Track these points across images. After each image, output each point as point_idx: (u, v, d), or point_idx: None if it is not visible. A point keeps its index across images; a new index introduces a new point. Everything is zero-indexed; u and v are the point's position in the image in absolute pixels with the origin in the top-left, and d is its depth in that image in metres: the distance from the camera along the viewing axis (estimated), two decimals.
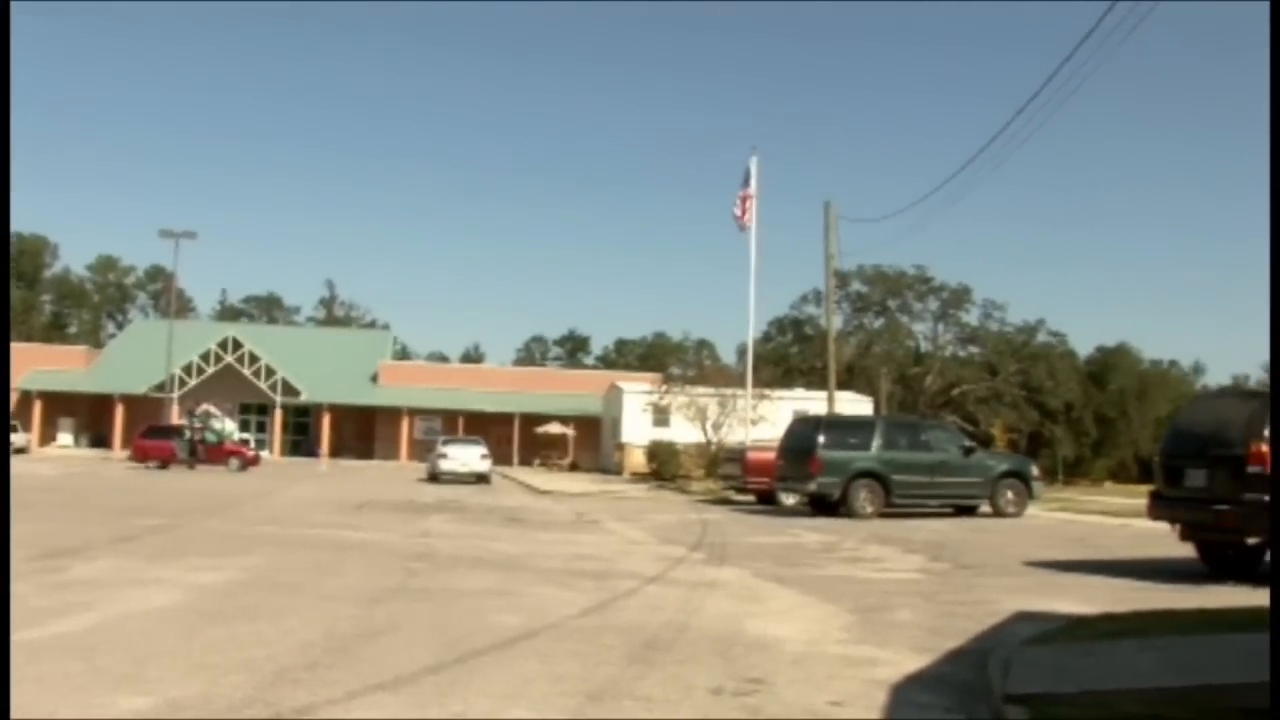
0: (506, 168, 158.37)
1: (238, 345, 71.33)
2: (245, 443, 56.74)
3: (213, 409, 68.92)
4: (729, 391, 46.48)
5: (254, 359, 70.96)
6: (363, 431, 72.39)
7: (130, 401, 67.91)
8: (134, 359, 71.24)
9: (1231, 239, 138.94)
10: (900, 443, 25.30)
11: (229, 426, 66.74)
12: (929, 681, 7.08)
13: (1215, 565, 13.60)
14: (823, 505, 24.73)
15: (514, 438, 69.76)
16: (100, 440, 69.47)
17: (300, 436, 73.65)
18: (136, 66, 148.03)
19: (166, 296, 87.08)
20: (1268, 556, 13.17)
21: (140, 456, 45.48)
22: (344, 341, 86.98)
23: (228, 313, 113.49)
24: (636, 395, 55.95)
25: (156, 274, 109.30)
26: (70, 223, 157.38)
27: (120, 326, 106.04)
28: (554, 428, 69.24)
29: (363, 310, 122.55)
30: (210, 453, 46.46)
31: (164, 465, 44.43)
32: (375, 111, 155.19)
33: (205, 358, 70.31)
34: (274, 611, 9.09)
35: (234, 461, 46.17)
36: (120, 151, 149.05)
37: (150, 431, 47.97)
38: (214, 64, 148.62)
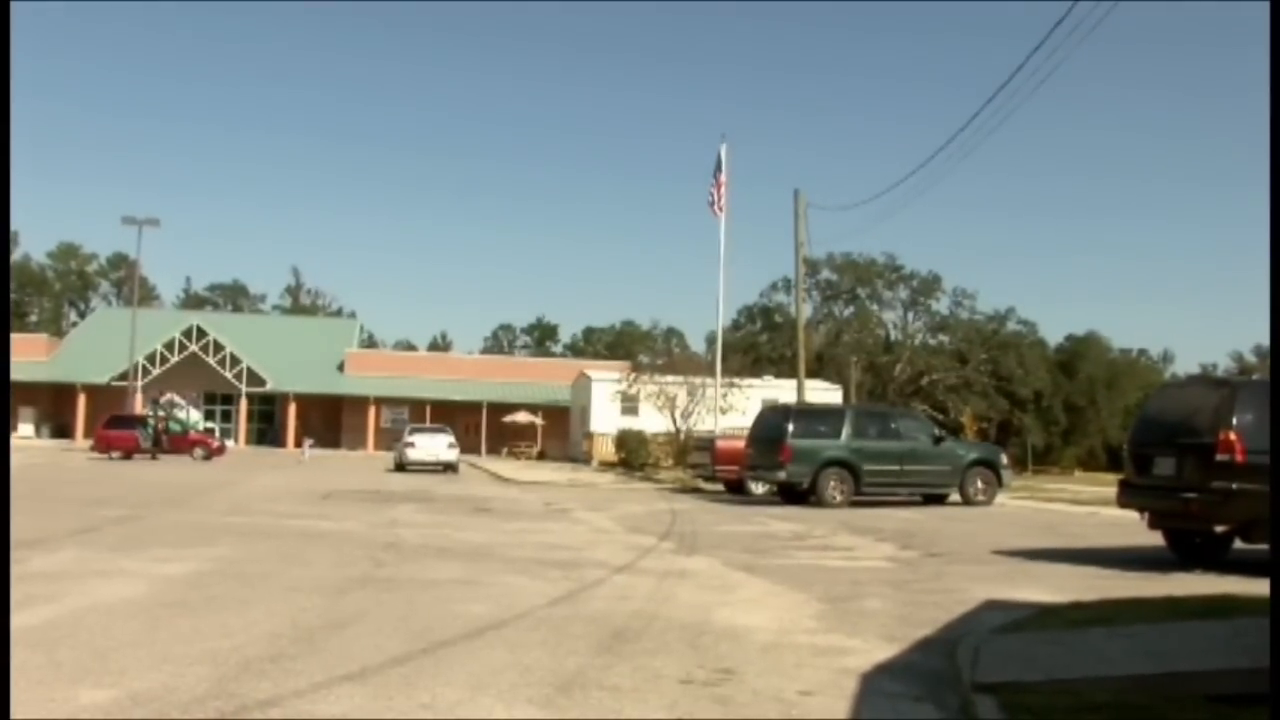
0: (474, 154, 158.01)
1: (202, 334, 70.94)
2: (210, 432, 56.49)
3: (177, 398, 68.57)
4: (698, 380, 46.52)
5: (219, 348, 70.58)
6: (329, 421, 72.12)
7: (92, 391, 67.42)
8: (96, 348, 70.72)
9: (1200, 228, 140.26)
10: (870, 431, 25.39)
11: (193, 416, 66.44)
12: (898, 670, 7.10)
13: (1183, 553, 13.73)
14: (792, 494, 24.81)
15: (482, 427, 69.67)
16: (62, 430, 68.94)
17: (266, 426, 73.38)
18: (100, 51, 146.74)
19: (129, 284, 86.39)
20: (1235, 543, 13.30)
21: (103, 447, 45.11)
22: (310, 330, 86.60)
23: (192, 301, 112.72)
24: (605, 384, 55.90)
25: (119, 262, 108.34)
26: (31, 209, 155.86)
27: (82, 315, 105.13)
28: (522, 417, 69.19)
29: (329, 298, 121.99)
30: (174, 443, 46.19)
31: (127, 456, 44.11)
32: (342, 98, 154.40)
33: (169, 347, 69.90)
34: (239, 602, 9.04)
35: (198, 451, 45.93)
36: (82, 137, 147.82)
37: (113, 421, 47.59)
38: (178, 49, 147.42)
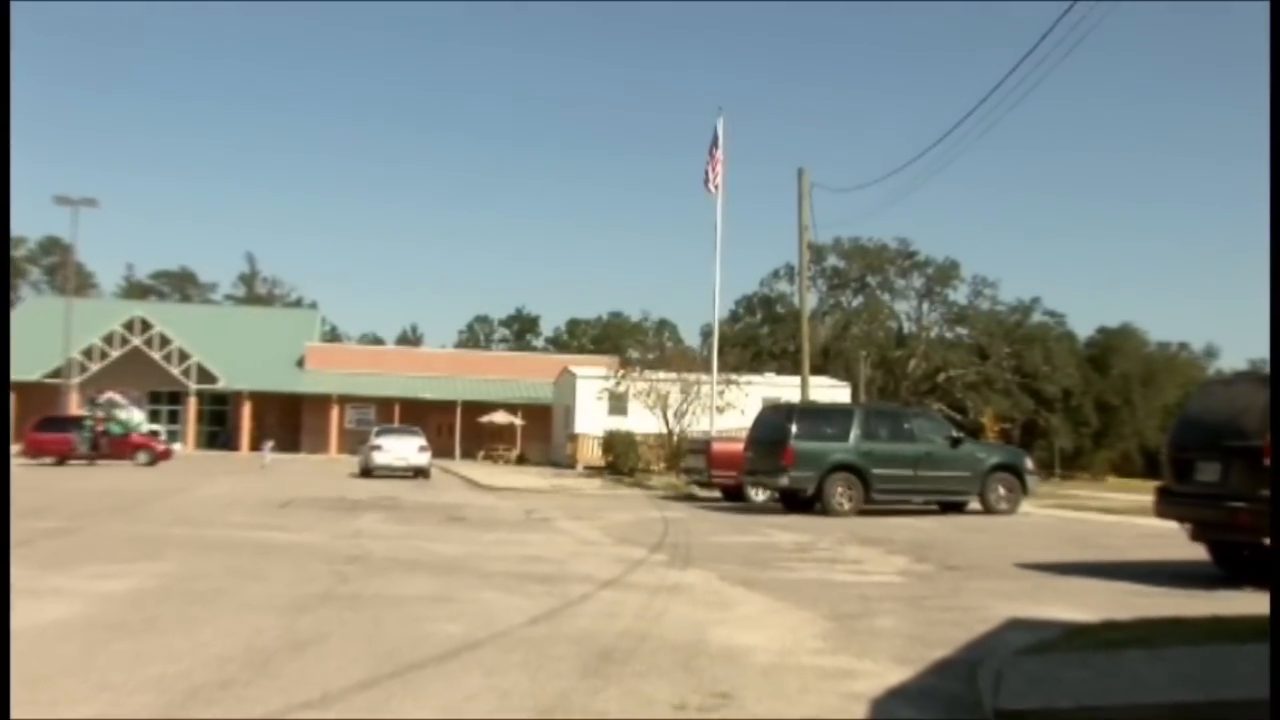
0: (447, 130, 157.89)
1: (146, 326, 70.82)
2: (155, 434, 56.29)
3: (117, 397, 68.15)
4: (692, 377, 46.59)
5: (165, 341, 70.47)
6: (288, 421, 72.04)
7: (22, 390, 67.10)
8: (26, 342, 70.35)
9: (1248, 209, 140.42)
10: (881, 433, 25.41)
11: (136, 417, 66.07)
12: (913, 695, 7.10)
13: (1229, 568, 13.71)
14: (796, 502, 24.84)
15: (456, 428, 69.69)
16: None
17: (217, 427, 73.29)
18: (30, 12, 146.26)
19: (63, 272, 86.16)
20: None
21: (34, 451, 44.97)
22: (266, 322, 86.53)
23: (134, 290, 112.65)
24: (591, 381, 55.94)
25: (52, 246, 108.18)
26: None
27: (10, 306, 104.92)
28: (500, 417, 69.20)
29: (287, 287, 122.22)
30: (115, 446, 46.04)
31: (61, 461, 43.98)
32: (302, 67, 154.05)
33: (109, 340, 69.78)
34: (187, 622, 9.01)
35: (142, 455, 45.83)
36: (10, 107, 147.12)
37: (46, 423, 47.46)
38: (116, 12, 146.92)
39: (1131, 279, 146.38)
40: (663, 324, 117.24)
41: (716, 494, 30.37)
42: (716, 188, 39.45)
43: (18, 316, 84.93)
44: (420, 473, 40.98)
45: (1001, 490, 25.74)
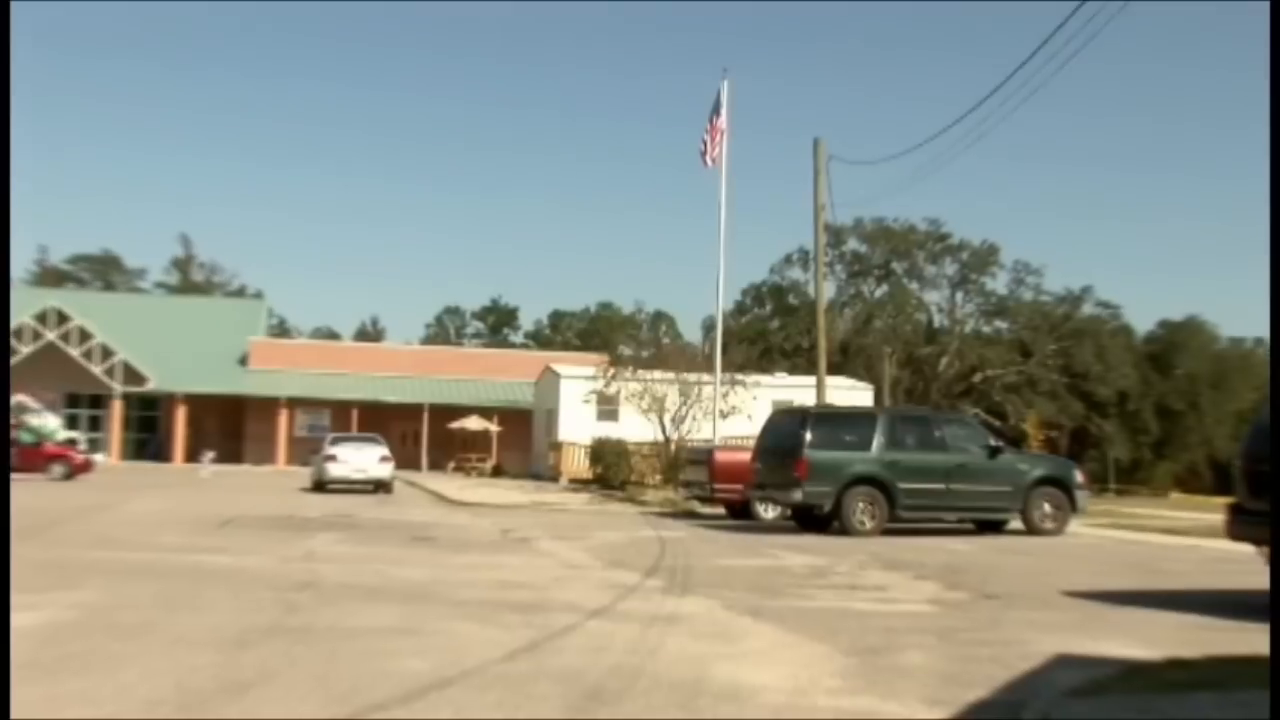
0: (411, 96, 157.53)
1: (63, 318, 70.72)
2: (73, 443, 56.26)
3: (29, 401, 68.21)
4: (693, 377, 46.61)
5: (85, 336, 70.38)
6: (229, 428, 72.06)
7: None
8: None
9: None
10: (908, 441, 25.47)
11: (51, 423, 66.05)
12: None
13: None
14: (810, 520, 24.89)
15: (422, 435, 69.81)
16: None
17: (147, 435, 73.25)
18: None
19: None
20: None
21: None
22: (204, 314, 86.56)
23: (49, 276, 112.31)
24: (577, 381, 56.08)
25: None
26: None
27: None
28: (473, 423, 69.25)
29: (228, 274, 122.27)
30: (25, 457, 45.83)
31: None
32: (242, 20, 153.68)
33: (18, 335, 69.61)
34: (109, 661, 8.97)
35: (57, 468, 45.71)
36: None
37: None
38: None
39: (1199, 265, 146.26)
40: (659, 316, 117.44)
41: (720, 511, 30.39)
42: (714, 161, 39.27)
43: None
44: (381, 486, 41.07)
45: (1047, 507, 25.75)
